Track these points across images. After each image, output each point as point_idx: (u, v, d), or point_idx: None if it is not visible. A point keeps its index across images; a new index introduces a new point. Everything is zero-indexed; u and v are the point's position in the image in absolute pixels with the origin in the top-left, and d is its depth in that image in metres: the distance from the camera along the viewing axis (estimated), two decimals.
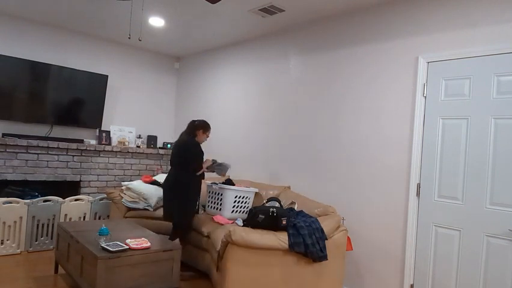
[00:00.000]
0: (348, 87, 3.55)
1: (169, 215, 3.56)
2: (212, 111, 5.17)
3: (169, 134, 5.89)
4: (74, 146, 4.60)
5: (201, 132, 3.63)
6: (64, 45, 4.80)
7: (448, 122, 2.88)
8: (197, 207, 3.69)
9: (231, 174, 4.75)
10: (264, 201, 3.61)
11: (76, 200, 4.36)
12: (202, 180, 3.65)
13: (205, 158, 3.68)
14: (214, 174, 4.96)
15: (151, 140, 5.51)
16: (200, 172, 3.57)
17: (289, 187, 3.92)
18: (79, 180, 4.71)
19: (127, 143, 5.20)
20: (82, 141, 4.81)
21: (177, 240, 3.53)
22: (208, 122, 5.23)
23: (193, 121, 3.69)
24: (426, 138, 2.99)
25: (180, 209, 3.49)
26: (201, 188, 3.65)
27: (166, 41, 5.05)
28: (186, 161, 3.54)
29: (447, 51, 2.90)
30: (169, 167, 4.39)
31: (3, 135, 4.27)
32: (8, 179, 4.21)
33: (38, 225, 4.06)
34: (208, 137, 3.74)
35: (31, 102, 4.42)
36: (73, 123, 4.78)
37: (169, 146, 5.59)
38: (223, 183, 3.84)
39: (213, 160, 3.77)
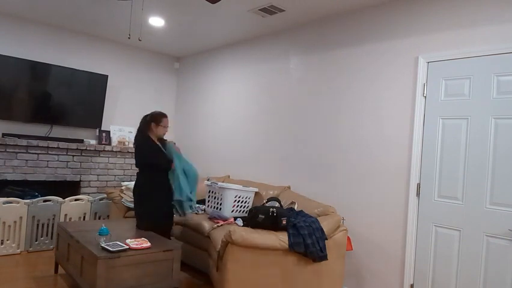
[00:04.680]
0: (348, 87, 3.55)
1: (139, 218, 3.33)
2: (212, 111, 5.17)
3: (168, 134, 5.85)
4: (74, 146, 4.60)
5: (153, 126, 3.33)
6: (64, 45, 4.80)
7: (448, 122, 2.88)
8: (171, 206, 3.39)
9: (231, 173, 4.76)
10: (264, 201, 3.61)
11: (76, 200, 4.36)
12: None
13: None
14: (213, 174, 4.98)
15: None
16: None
17: (289, 187, 3.92)
18: (78, 180, 4.70)
19: (127, 143, 5.19)
20: (82, 141, 4.81)
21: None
22: (208, 121, 5.28)
23: (145, 116, 3.43)
24: (426, 138, 2.99)
25: (152, 211, 3.27)
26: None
27: (166, 41, 5.05)
28: (143, 160, 3.29)
29: (447, 51, 2.90)
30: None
31: (3, 135, 4.27)
32: (8, 179, 4.20)
33: (38, 225, 4.06)
34: (165, 127, 3.40)
35: (31, 102, 4.42)
36: (73, 123, 4.77)
37: None
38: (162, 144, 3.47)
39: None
